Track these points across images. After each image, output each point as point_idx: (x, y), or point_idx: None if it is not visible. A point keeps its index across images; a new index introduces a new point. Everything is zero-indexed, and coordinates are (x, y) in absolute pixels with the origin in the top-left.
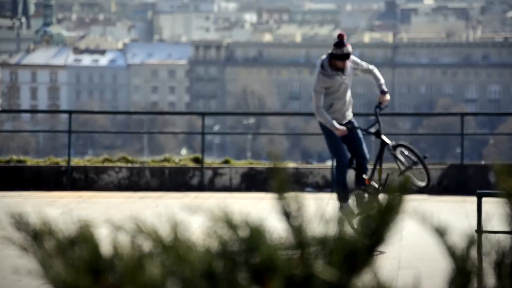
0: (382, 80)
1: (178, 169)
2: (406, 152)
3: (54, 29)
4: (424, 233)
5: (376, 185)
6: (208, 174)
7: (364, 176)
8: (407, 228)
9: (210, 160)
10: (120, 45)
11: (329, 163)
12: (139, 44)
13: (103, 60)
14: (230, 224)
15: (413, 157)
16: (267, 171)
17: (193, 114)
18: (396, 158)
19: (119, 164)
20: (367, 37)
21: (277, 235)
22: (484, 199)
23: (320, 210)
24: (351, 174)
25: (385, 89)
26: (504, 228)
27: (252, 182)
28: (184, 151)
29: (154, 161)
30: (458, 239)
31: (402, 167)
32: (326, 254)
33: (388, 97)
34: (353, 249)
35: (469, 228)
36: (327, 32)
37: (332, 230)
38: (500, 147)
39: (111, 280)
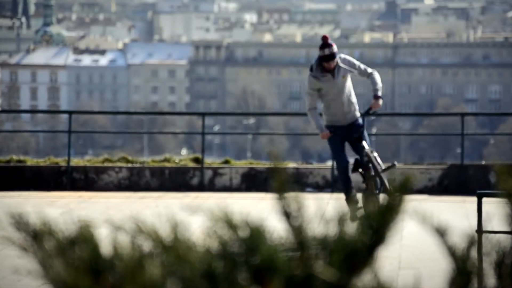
0: (379, 85)
1: (178, 169)
2: (379, 159)
3: (54, 29)
4: (424, 233)
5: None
6: (208, 174)
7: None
8: (407, 228)
9: (210, 160)
10: (120, 45)
11: (329, 163)
12: (139, 44)
13: (103, 60)
14: (230, 224)
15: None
16: (267, 171)
17: (193, 114)
18: (371, 163)
19: (119, 164)
20: (367, 37)
21: (277, 236)
22: (484, 199)
23: (320, 210)
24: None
25: (379, 94)
26: (505, 228)
27: (252, 182)
28: (184, 151)
29: (154, 161)
30: (458, 239)
31: (373, 172)
32: (326, 254)
33: (380, 102)
34: (353, 249)
35: (470, 228)
36: (327, 32)
37: (332, 230)
38: (500, 147)
39: (111, 280)
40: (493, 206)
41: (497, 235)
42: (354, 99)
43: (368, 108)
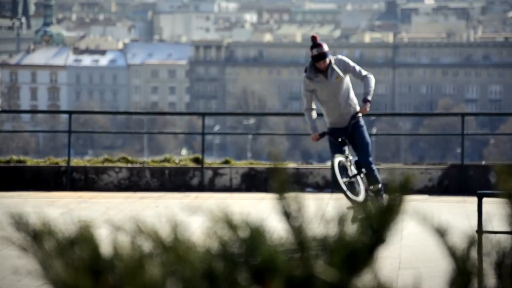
0: (370, 89)
1: (178, 169)
2: (353, 167)
3: (54, 29)
4: (424, 233)
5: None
6: (208, 174)
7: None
8: (408, 228)
9: (210, 160)
10: (120, 45)
11: (329, 163)
12: (139, 44)
13: (103, 60)
14: (230, 225)
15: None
16: (268, 171)
17: (193, 115)
18: (351, 165)
19: (119, 164)
20: (367, 37)
21: (277, 236)
22: (484, 199)
23: (321, 210)
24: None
25: (368, 98)
26: (505, 228)
27: (253, 182)
28: (184, 151)
29: (154, 161)
30: (458, 239)
31: (351, 174)
32: (327, 255)
33: (367, 107)
34: (353, 250)
35: (470, 228)
36: (328, 32)
37: (332, 230)
38: (500, 147)
39: (111, 281)
40: (493, 206)
41: (497, 235)
42: (353, 100)
43: (356, 113)
